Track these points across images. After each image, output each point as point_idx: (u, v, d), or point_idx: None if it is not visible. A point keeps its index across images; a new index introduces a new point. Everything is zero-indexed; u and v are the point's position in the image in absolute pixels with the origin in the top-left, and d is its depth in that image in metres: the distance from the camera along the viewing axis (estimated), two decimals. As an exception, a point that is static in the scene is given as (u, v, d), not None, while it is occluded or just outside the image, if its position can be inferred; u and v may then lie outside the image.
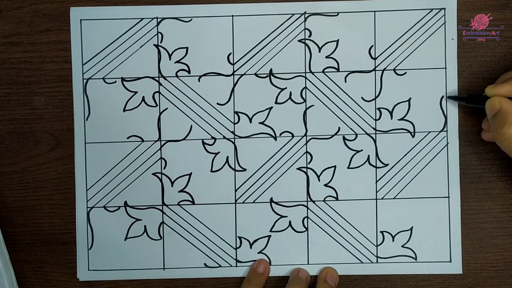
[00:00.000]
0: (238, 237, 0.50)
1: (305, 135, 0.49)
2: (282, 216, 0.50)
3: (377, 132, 0.49)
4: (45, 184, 0.50)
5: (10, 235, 0.50)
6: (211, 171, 0.50)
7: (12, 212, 0.50)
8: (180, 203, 0.50)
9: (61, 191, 0.50)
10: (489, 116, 0.44)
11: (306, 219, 0.49)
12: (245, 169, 0.50)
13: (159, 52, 0.49)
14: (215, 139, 0.50)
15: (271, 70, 0.49)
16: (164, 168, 0.50)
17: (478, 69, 0.49)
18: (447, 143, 0.49)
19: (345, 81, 0.49)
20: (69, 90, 0.50)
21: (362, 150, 0.49)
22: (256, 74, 0.49)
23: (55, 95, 0.50)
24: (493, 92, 0.44)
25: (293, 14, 0.49)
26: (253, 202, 0.49)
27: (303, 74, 0.49)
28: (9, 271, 0.49)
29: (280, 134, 0.49)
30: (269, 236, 0.50)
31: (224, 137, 0.50)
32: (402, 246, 0.49)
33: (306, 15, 0.49)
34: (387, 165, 0.49)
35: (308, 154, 0.49)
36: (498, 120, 0.43)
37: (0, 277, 0.48)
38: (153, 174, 0.50)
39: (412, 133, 0.49)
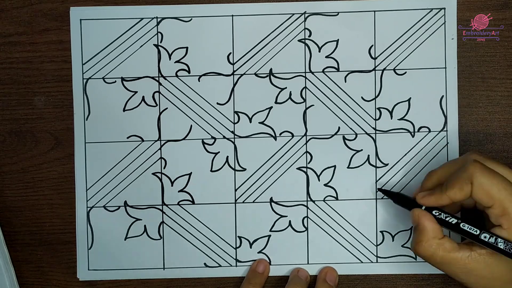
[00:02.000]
0: (238, 236, 0.50)
1: (305, 135, 0.49)
2: (282, 216, 0.50)
3: (377, 132, 0.49)
4: (45, 184, 0.50)
5: (10, 235, 0.50)
6: (211, 171, 0.50)
7: (12, 212, 0.50)
8: (180, 203, 0.50)
9: (61, 191, 0.50)
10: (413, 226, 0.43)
11: (306, 218, 0.49)
12: (245, 169, 0.50)
13: (159, 52, 0.49)
14: (215, 138, 0.50)
15: (271, 70, 0.49)
16: (164, 168, 0.50)
17: (478, 69, 0.49)
18: (447, 142, 0.49)
19: (345, 81, 0.49)
20: (69, 89, 0.50)
21: (362, 150, 0.49)
22: (256, 74, 0.49)
23: (55, 95, 0.50)
24: (421, 202, 0.42)
25: (293, 14, 0.49)
26: (253, 201, 0.49)
27: (303, 74, 0.49)
28: (10, 271, 0.49)
29: (280, 134, 0.49)
30: (269, 236, 0.50)
31: (224, 137, 0.50)
32: (402, 246, 0.49)
33: (306, 15, 0.49)
34: (387, 164, 0.49)
35: (308, 153, 0.49)
36: (416, 234, 0.41)
37: (1, 276, 0.48)
38: (153, 174, 0.50)
39: (412, 133, 0.49)
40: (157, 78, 0.49)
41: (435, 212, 0.42)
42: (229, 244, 0.50)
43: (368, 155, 0.49)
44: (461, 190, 0.39)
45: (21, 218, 0.50)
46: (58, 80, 0.50)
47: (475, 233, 0.40)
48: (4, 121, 0.50)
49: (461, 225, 0.41)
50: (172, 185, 0.50)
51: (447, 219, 0.41)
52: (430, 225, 0.41)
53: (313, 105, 0.49)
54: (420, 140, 0.49)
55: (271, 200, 0.49)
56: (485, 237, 0.39)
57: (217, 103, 0.49)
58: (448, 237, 0.41)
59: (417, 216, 0.42)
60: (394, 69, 0.49)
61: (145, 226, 0.50)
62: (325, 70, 0.49)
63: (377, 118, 0.49)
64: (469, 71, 0.49)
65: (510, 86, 0.49)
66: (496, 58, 0.49)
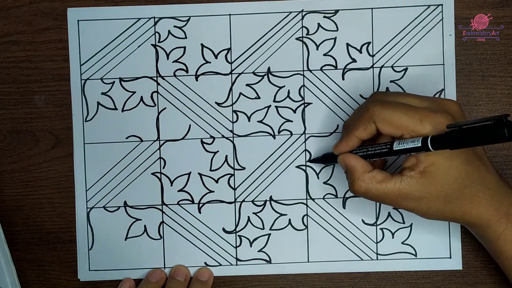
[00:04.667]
0: (238, 235, 0.50)
1: (304, 133, 0.49)
2: (281, 214, 0.50)
3: (375, 129, 0.49)
4: (45, 183, 0.50)
5: (11, 234, 0.50)
6: (210, 170, 0.50)
7: (12, 211, 0.50)
8: (179, 203, 0.50)
9: (61, 190, 0.50)
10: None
11: (305, 217, 0.49)
12: (244, 168, 0.50)
13: (156, 51, 0.49)
14: (214, 138, 0.50)
15: (269, 68, 0.49)
16: (163, 167, 0.50)
17: (478, 67, 0.49)
18: (446, 139, 0.49)
19: (343, 79, 0.49)
20: (69, 88, 0.50)
21: (361, 147, 0.49)
22: (254, 73, 0.49)
23: (55, 94, 0.50)
24: (337, 151, 0.43)
25: (290, 12, 0.49)
26: (253, 200, 0.49)
27: (301, 72, 0.49)
28: (11, 270, 0.49)
29: (279, 132, 0.49)
30: (269, 235, 0.50)
31: (223, 136, 0.50)
32: (402, 243, 0.49)
33: (303, 13, 0.49)
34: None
35: (307, 152, 0.49)
36: (348, 176, 0.43)
37: (2, 275, 0.49)
38: (153, 173, 0.50)
39: (411, 130, 0.49)
40: (155, 78, 0.49)
41: (357, 151, 0.43)
42: (229, 243, 0.50)
43: (367, 153, 0.49)
44: (366, 129, 0.41)
45: (21, 217, 0.50)
46: (58, 79, 0.50)
47: (408, 145, 0.39)
48: (4, 120, 0.50)
49: (390, 146, 0.40)
50: (171, 185, 0.50)
51: (370, 151, 0.42)
52: (356, 162, 0.42)
53: (311, 103, 0.49)
54: (419, 137, 0.49)
55: (271, 199, 0.49)
56: (413, 141, 0.38)
57: (216, 102, 0.49)
58: (378, 169, 0.42)
59: (342, 159, 0.43)
60: (392, 66, 0.49)
61: (145, 226, 0.50)
62: (323, 68, 0.49)
63: (375, 115, 0.49)
64: (469, 69, 0.49)
65: (510, 84, 0.49)
66: (496, 56, 0.49)
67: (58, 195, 0.50)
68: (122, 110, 0.50)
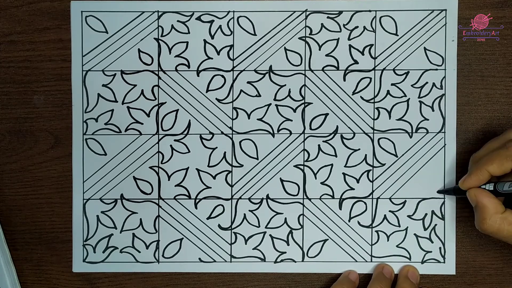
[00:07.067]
0: (234, 232, 0.50)
1: (303, 132, 0.49)
2: (277, 213, 0.50)
3: (375, 131, 0.49)
4: (44, 183, 0.50)
5: (10, 234, 0.50)
6: (208, 166, 0.50)
7: (11, 211, 0.50)
8: (176, 197, 0.50)
9: (60, 190, 0.50)
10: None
11: (301, 216, 0.50)
12: (242, 165, 0.50)
13: (159, 45, 0.49)
14: (213, 134, 0.50)
15: (270, 66, 0.49)
16: (162, 162, 0.50)
17: (477, 67, 0.49)
18: (445, 144, 0.49)
19: (344, 80, 0.49)
20: (68, 88, 0.49)
21: (359, 149, 0.49)
22: (255, 71, 0.49)
23: (54, 94, 0.50)
24: (465, 186, 0.43)
25: (294, 12, 0.49)
26: (249, 198, 0.50)
27: (303, 72, 0.49)
28: (11, 270, 0.49)
29: (278, 131, 0.49)
30: (264, 233, 0.50)
31: (222, 133, 0.50)
32: (397, 246, 0.49)
33: (307, 13, 0.49)
34: (384, 164, 0.49)
35: (305, 151, 0.49)
36: (478, 214, 0.42)
37: (1, 275, 0.48)
38: (150, 167, 0.50)
39: (410, 134, 0.49)
40: (156, 72, 0.49)
41: (489, 187, 0.42)
42: (224, 239, 0.50)
43: (366, 155, 0.49)
44: (501, 166, 0.40)
45: (20, 217, 0.50)
46: (57, 79, 0.50)
47: None
48: (3, 120, 0.50)
49: None
50: (169, 179, 0.50)
51: (500, 189, 0.42)
52: (489, 201, 0.41)
53: (312, 103, 0.49)
54: (418, 141, 0.49)
55: (268, 197, 0.50)
56: None
57: (216, 99, 0.49)
58: (511, 210, 0.41)
59: (474, 195, 0.42)
60: (393, 69, 0.49)
61: (140, 219, 0.50)
62: (324, 69, 0.49)
63: (375, 117, 0.49)
64: (468, 69, 0.49)
65: (509, 84, 0.49)
66: (495, 57, 0.49)
67: (57, 195, 0.50)
68: (122, 103, 0.49)
